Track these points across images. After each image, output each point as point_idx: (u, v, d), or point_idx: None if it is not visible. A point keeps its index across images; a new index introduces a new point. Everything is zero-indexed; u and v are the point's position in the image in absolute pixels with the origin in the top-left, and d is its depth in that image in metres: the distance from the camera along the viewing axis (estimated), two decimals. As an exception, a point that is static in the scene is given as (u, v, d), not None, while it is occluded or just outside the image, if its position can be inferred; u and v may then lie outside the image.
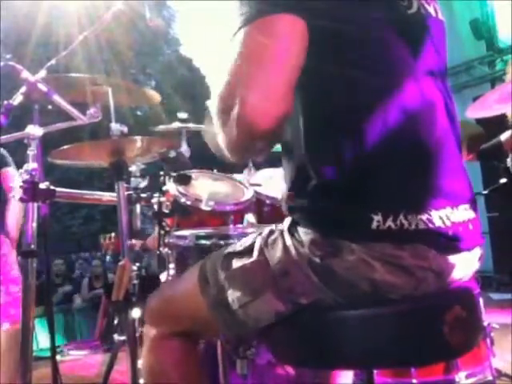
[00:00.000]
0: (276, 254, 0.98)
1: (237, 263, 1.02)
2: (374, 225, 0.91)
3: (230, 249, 1.07)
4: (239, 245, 1.06)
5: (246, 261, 1.01)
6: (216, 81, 0.94)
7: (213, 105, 0.95)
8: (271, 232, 1.03)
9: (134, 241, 1.79)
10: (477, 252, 1.03)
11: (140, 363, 1.59)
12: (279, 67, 0.88)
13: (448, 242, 0.95)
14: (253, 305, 0.97)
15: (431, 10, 1.06)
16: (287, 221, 1.02)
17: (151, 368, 1.17)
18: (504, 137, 1.75)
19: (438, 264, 0.94)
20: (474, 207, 1.04)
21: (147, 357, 1.18)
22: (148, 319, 1.20)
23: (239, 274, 1.00)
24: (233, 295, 1.00)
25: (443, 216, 0.95)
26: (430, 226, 0.93)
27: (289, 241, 0.97)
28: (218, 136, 0.98)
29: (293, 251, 0.96)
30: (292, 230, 0.99)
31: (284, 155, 1.07)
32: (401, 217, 0.91)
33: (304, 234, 0.96)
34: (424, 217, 0.93)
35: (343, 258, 0.92)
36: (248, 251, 1.02)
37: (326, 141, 0.97)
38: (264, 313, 0.98)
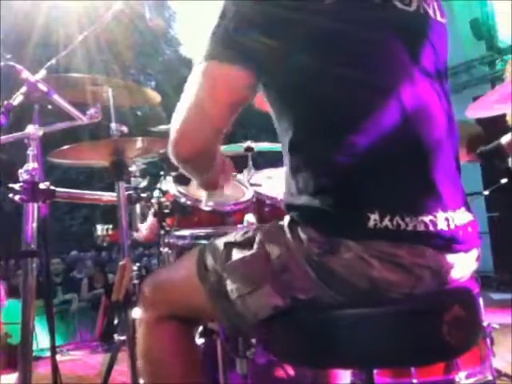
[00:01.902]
0: (276, 248, 0.98)
1: (237, 254, 1.02)
2: (371, 223, 0.91)
3: (230, 238, 1.07)
4: (240, 235, 1.06)
5: (246, 253, 1.01)
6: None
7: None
8: (272, 226, 1.04)
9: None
10: (474, 253, 1.03)
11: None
12: (208, 112, 0.98)
13: (446, 243, 0.95)
14: (251, 296, 0.98)
15: (430, 10, 1.05)
16: (287, 218, 1.02)
17: (147, 351, 1.16)
18: (505, 140, 1.75)
19: (436, 262, 0.94)
20: (469, 209, 1.05)
21: (143, 339, 1.17)
22: (143, 302, 1.19)
23: (239, 265, 1.01)
24: (231, 285, 1.00)
25: (442, 219, 0.95)
26: (431, 228, 0.93)
27: (289, 236, 0.98)
28: None
29: (292, 247, 0.97)
30: (291, 226, 0.99)
31: (284, 155, 1.07)
32: (397, 217, 0.91)
33: (302, 231, 0.96)
34: (426, 218, 0.93)
35: (340, 256, 0.92)
36: (248, 243, 1.02)
37: (323, 140, 0.97)
38: (262, 305, 0.98)
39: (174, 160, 1.05)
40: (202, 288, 1.04)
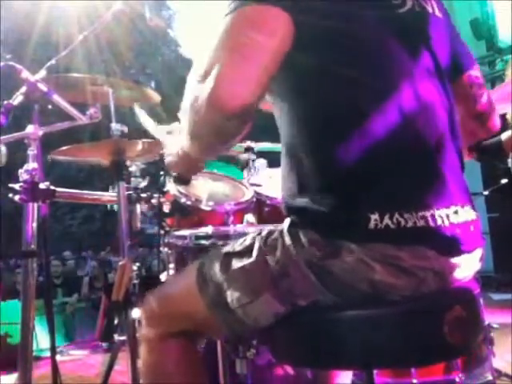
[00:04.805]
0: (275, 254, 0.97)
1: (236, 264, 1.01)
2: (372, 224, 0.90)
3: (228, 248, 1.06)
4: (238, 244, 1.06)
5: (245, 261, 1.00)
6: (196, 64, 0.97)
7: (187, 85, 0.98)
8: (270, 232, 1.03)
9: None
10: (478, 253, 1.03)
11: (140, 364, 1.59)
12: (259, 56, 0.90)
13: (448, 243, 0.94)
14: (252, 306, 0.97)
15: (428, 7, 1.05)
16: (287, 221, 1.02)
17: (151, 370, 1.15)
18: (504, 136, 1.75)
19: (439, 264, 0.94)
20: (474, 208, 1.05)
21: (146, 359, 1.16)
22: (145, 320, 1.17)
23: (238, 275, 1.00)
24: (232, 296, 0.99)
25: (443, 215, 0.94)
26: (431, 224, 0.92)
27: (288, 241, 0.97)
28: (183, 121, 0.99)
29: (292, 252, 0.96)
30: (291, 230, 0.98)
31: (283, 156, 1.07)
32: (396, 215, 0.91)
33: (303, 234, 0.96)
34: (427, 213, 0.92)
35: (342, 259, 0.92)
36: (247, 251, 1.02)
37: (323, 141, 0.97)
38: (263, 314, 0.98)
39: (212, 114, 0.89)
40: (202, 301, 1.04)
